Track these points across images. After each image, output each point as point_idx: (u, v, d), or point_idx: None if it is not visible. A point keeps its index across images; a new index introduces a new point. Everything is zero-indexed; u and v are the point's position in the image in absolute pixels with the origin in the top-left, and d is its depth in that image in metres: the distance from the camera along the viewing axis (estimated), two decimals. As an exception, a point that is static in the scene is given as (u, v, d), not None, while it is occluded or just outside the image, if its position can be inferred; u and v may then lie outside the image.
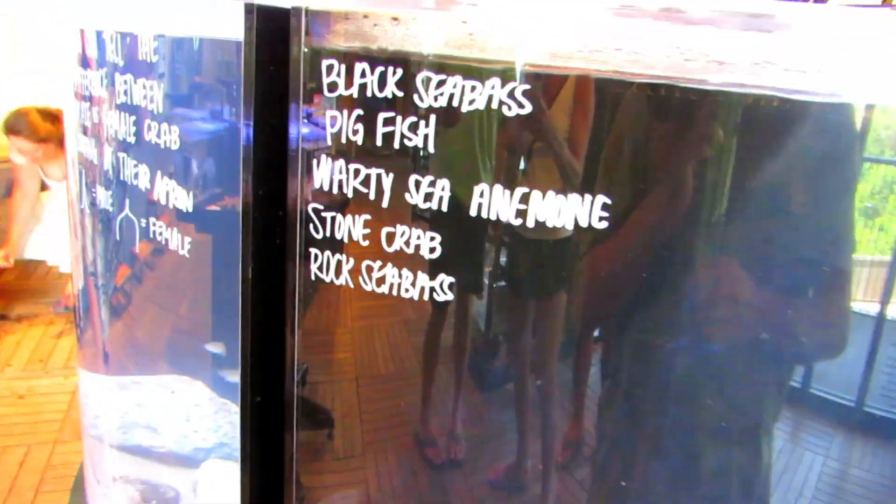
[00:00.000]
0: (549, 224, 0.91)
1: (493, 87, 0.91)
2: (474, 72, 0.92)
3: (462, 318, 1.03)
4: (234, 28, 1.12)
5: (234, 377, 1.24)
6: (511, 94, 0.90)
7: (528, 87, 0.89)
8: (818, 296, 0.85)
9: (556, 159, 0.91)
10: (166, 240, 1.31)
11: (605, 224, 0.87)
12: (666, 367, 0.93)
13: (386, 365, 1.13)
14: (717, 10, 0.80)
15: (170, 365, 1.54)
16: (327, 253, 1.08)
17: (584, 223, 0.88)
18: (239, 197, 1.18)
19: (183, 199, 1.26)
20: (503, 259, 0.98)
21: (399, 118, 0.97)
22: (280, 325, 1.17)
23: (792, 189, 0.84)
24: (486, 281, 0.99)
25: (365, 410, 1.15)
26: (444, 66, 0.94)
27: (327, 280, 1.08)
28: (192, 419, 1.54)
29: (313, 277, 1.10)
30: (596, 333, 0.98)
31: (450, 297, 1.00)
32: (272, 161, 1.14)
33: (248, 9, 1.07)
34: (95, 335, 1.77)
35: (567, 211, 0.89)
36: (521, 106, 0.90)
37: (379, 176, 1.01)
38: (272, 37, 1.10)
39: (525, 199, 0.91)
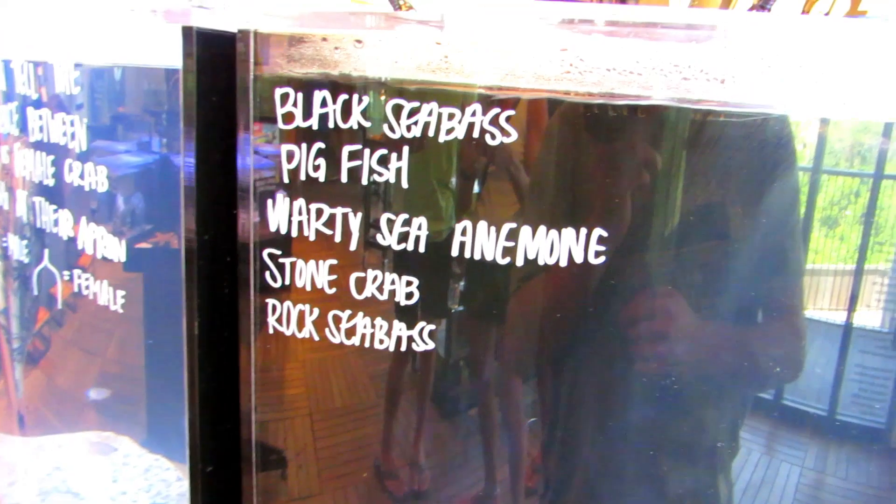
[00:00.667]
0: (541, 261, 0.83)
1: (473, 115, 0.82)
2: (452, 97, 0.83)
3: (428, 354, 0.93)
4: (166, 54, 1.00)
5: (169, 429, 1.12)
6: (495, 121, 0.81)
7: (513, 112, 0.81)
8: (769, 319, 0.84)
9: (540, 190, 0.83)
10: (94, 293, 1.17)
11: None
12: (623, 397, 0.89)
13: (342, 397, 1.02)
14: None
15: (94, 418, 1.38)
16: (287, 303, 0.96)
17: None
18: (174, 234, 1.06)
19: (114, 248, 1.12)
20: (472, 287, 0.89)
21: (367, 151, 0.88)
22: (231, 382, 1.04)
23: (733, 208, 0.81)
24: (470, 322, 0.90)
25: (321, 447, 1.04)
26: (417, 93, 0.84)
27: (288, 333, 0.97)
28: (120, 480, 1.38)
29: (271, 331, 0.98)
30: (555, 359, 0.91)
31: (431, 346, 0.90)
32: (218, 202, 1.02)
33: (187, 33, 0.96)
34: (9, 394, 1.58)
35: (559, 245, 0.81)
36: (506, 134, 0.81)
37: (345, 216, 0.90)
38: (214, 63, 0.99)
39: (513, 235, 0.83)
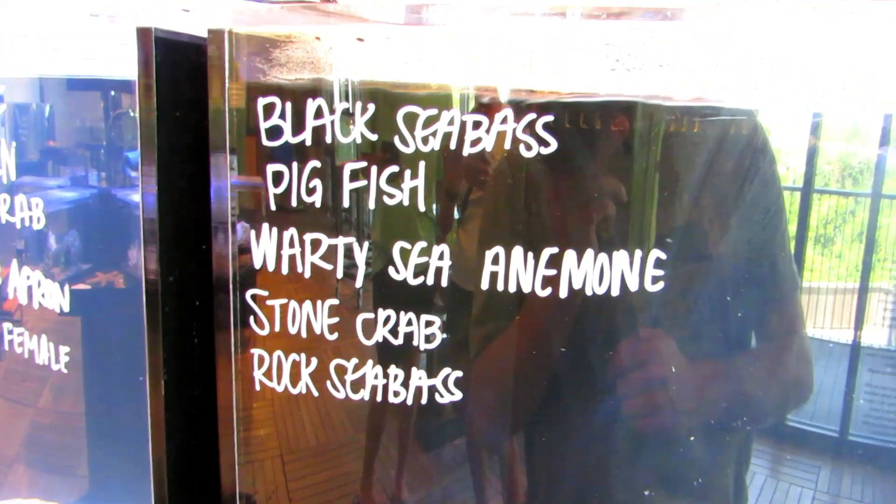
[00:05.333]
0: (589, 290, 0.70)
1: (504, 122, 0.69)
2: (477, 103, 0.70)
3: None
4: (114, 62, 0.84)
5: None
6: (530, 129, 0.69)
7: (551, 118, 0.69)
8: (770, 343, 0.80)
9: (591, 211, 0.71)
10: (31, 351, 0.98)
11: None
12: (621, 443, 0.80)
13: (316, 436, 0.87)
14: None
15: (21, 482, 1.18)
16: (278, 354, 0.80)
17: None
18: (118, 272, 0.90)
19: (54, 296, 0.94)
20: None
21: (374, 169, 0.74)
22: (208, 447, 0.88)
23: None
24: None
25: (293, 489, 0.88)
26: (433, 98, 0.71)
27: (280, 389, 0.81)
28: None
29: (258, 386, 0.82)
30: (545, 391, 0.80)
31: (458, 396, 0.76)
32: (184, 236, 0.86)
33: (144, 35, 0.80)
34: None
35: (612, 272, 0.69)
36: (544, 144, 0.69)
37: (348, 247, 0.76)
38: (177, 72, 0.83)
39: (555, 261, 0.70)
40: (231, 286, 0.81)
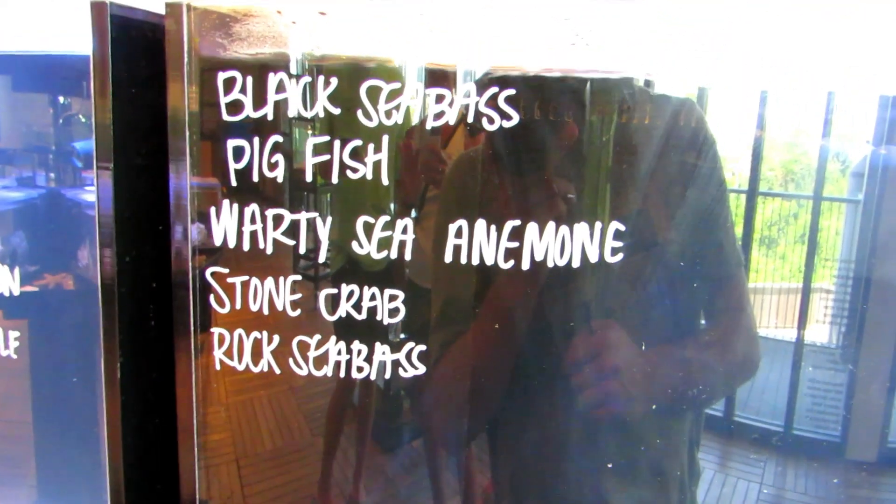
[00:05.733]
0: (550, 262, 0.72)
1: (467, 96, 0.70)
2: (440, 77, 0.71)
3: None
4: (67, 37, 0.83)
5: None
6: (493, 103, 0.70)
7: (513, 92, 0.70)
8: (715, 319, 0.82)
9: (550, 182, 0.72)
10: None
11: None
12: (573, 427, 0.81)
13: (272, 440, 0.86)
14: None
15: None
16: (239, 331, 0.80)
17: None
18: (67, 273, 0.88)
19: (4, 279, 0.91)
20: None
21: (337, 143, 0.74)
22: (166, 432, 0.86)
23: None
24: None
25: (248, 493, 0.87)
26: (397, 72, 0.72)
27: (240, 367, 0.80)
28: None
29: (217, 365, 0.81)
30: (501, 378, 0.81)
31: (422, 369, 0.77)
32: (139, 216, 0.84)
33: (98, 8, 0.78)
34: None
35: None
36: (506, 117, 0.70)
37: (311, 222, 0.76)
38: (132, 49, 0.82)
39: (517, 234, 0.71)
40: (190, 264, 0.80)
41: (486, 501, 0.84)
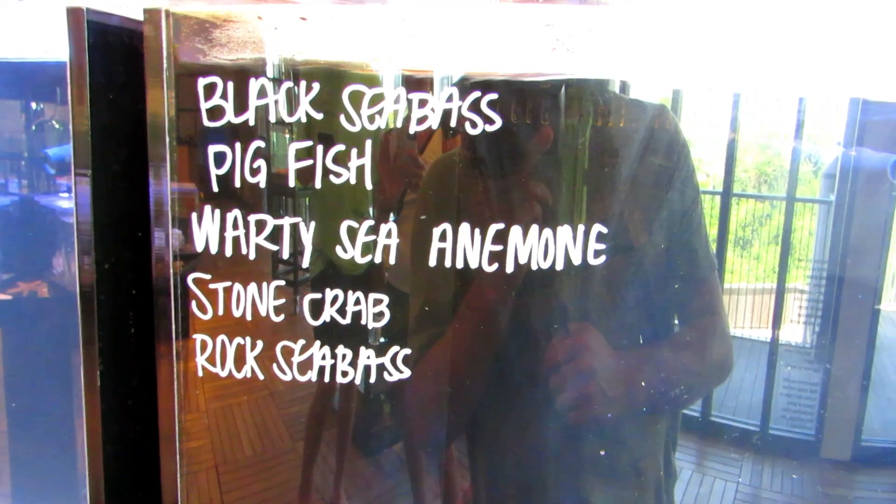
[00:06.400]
0: (535, 265, 0.72)
1: (449, 100, 0.71)
2: (422, 82, 0.72)
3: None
4: (37, 43, 0.82)
5: None
6: (475, 107, 0.71)
7: (495, 96, 0.70)
8: (690, 322, 0.82)
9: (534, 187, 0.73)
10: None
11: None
12: (552, 431, 0.82)
13: (252, 446, 0.86)
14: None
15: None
16: (222, 338, 0.79)
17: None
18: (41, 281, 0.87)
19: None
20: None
21: (320, 148, 0.74)
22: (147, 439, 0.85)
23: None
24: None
25: (227, 501, 0.87)
26: (379, 78, 0.72)
27: (223, 374, 0.80)
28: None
29: (200, 372, 0.81)
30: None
31: (406, 373, 0.77)
32: (119, 223, 0.84)
33: (75, 14, 0.78)
34: None
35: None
36: (489, 121, 0.71)
37: (295, 227, 0.76)
38: (109, 55, 0.81)
39: (501, 237, 0.72)
40: (171, 271, 0.79)
41: (465, 502, 0.85)
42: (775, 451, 0.83)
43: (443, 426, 0.81)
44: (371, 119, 0.72)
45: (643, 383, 0.79)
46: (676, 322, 0.81)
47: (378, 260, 0.75)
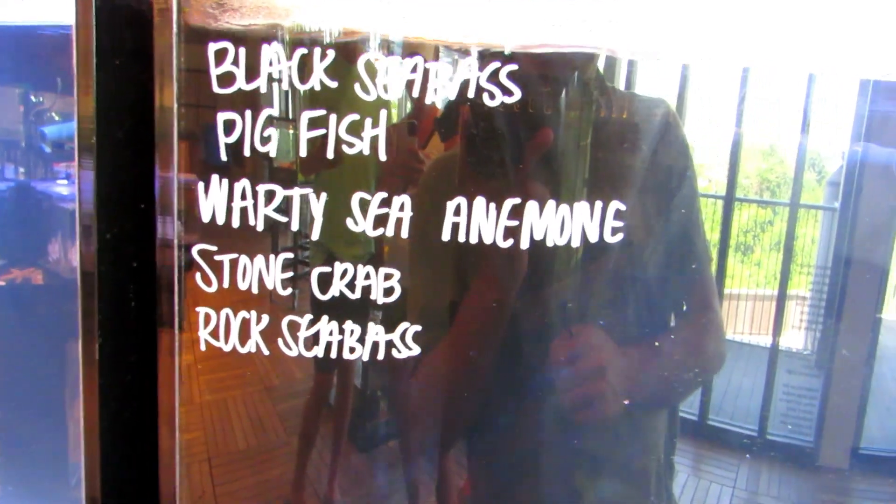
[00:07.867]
0: (550, 242, 0.71)
1: (469, 69, 0.69)
2: (440, 50, 0.70)
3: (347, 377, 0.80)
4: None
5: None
6: (494, 78, 0.69)
7: (515, 67, 0.69)
8: (688, 314, 0.81)
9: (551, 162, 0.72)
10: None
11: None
12: (545, 414, 0.80)
13: (246, 439, 0.84)
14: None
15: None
16: (226, 311, 0.77)
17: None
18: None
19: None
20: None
21: (333, 117, 0.72)
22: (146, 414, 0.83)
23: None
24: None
25: (220, 493, 0.85)
26: (396, 45, 0.71)
27: (227, 348, 0.78)
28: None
29: (203, 346, 0.78)
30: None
31: (415, 350, 0.75)
32: (122, 192, 0.81)
33: (83, -24, 0.76)
34: None
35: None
36: (508, 93, 0.69)
37: (305, 198, 0.74)
38: (116, 17, 0.79)
39: (517, 212, 0.70)
40: (176, 242, 0.77)
41: (461, 500, 0.83)
42: (773, 456, 0.82)
43: (450, 411, 0.79)
44: (386, 88, 0.70)
45: (642, 376, 0.79)
46: (674, 315, 0.81)
47: (391, 233, 0.73)
